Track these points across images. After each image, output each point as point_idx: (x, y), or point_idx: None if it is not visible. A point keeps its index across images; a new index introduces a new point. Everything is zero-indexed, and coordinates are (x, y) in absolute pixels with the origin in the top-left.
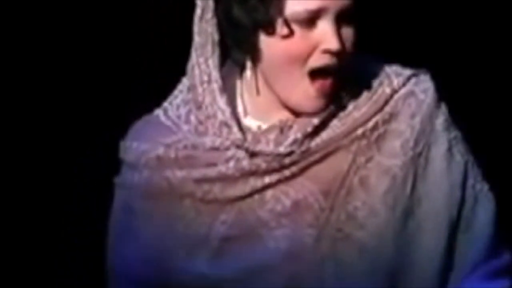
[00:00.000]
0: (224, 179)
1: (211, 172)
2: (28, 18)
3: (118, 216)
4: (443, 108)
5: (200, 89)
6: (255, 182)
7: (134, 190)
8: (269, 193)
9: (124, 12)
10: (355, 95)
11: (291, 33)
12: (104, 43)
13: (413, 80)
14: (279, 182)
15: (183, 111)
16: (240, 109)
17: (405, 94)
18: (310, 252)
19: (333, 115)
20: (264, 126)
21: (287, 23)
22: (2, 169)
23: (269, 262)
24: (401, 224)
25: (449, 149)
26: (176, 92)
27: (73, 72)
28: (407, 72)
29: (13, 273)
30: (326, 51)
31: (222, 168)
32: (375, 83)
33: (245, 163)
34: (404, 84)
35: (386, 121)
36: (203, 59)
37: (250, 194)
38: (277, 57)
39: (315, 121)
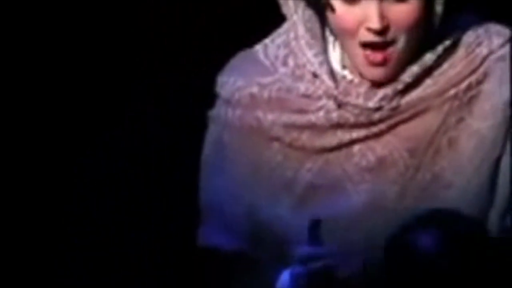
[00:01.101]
0: (312, 128)
1: (301, 119)
2: (28, 18)
3: (209, 150)
4: None
5: (293, 43)
6: (343, 136)
7: (226, 126)
8: (355, 147)
9: (124, 12)
10: (451, 54)
11: (332, 8)
12: (104, 43)
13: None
14: (366, 138)
15: (282, 52)
16: (334, 61)
17: (501, 56)
18: (391, 209)
19: (426, 74)
20: (356, 80)
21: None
22: (2, 169)
23: (350, 215)
24: (485, 184)
25: None
26: (281, 30)
27: (73, 72)
28: (507, 34)
29: (13, 273)
30: (369, 29)
31: (311, 117)
32: (474, 42)
33: (335, 115)
34: (502, 46)
35: (479, 82)
36: (291, 14)
37: (337, 147)
38: (333, 26)
39: (407, 79)
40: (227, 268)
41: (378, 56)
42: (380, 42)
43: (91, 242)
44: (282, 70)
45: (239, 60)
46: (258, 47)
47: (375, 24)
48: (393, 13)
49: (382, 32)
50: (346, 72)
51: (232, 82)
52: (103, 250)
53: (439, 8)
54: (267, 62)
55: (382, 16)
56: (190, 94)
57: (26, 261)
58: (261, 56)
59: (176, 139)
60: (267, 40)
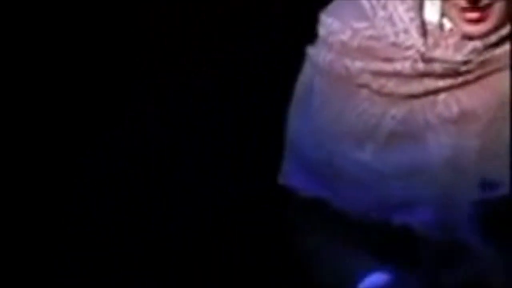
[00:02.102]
0: (399, 75)
1: (388, 67)
2: (28, 18)
3: (299, 90)
4: None
5: None
6: (429, 84)
7: (317, 69)
8: (441, 96)
9: (124, 12)
10: None
11: None
12: (104, 43)
13: None
14: (452, 87)
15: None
16: (433, 9)
17: None
18: (472, 165)
19: None
20: (450, 30)
21: None
22: (2, 169)
23: (430, 165)
24: None
25: None
26: None
27: (73, 72)
28: None
29: (13, 273)
30: None
31: (398, 66)
32: None
33: (421, 65)
34: None
35: None
36: None
37: (423, 94)
38: None
39: (503, 31)
40: (303, 212)
41: (474, 15)
42: (475, 7)
43: (91, 242)
44: (381, 13)
45: (341, 1)
46: None
47: None
48: None
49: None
50: (444, 20)
51: (329, 23)
52: (103, 250)
53: None
54: (367, 5)
55: None
56: (190, 94)
57: (26, 261)
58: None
59: (176, 139)
60: None
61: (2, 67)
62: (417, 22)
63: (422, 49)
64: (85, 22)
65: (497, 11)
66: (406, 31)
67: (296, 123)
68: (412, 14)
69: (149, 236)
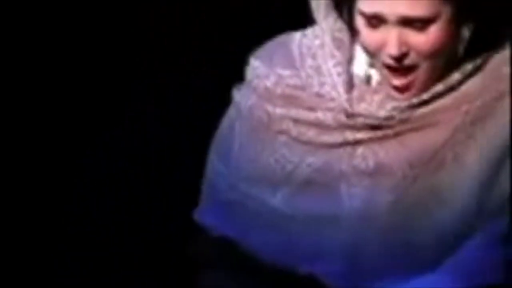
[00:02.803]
0: (320, 125)
1: (310, 116)
2: (28, 18)
3: (221, 132)
4: None
5: (318, 51)
6: (349, 135)
7: (240, 114)
8: (359, 149)
9: (124, 12)
10: (479, 71)
11: (357, 30)
12: (104, 43)
13: None
14: (371, 140)
15: (316, 43)
16: (362, 61)
17: None
18: (382, 218)
19: (446, 90)
20: (376, 84)
21: (352, 17)
22: (2, 169)
23: (340, 217)
24: (484, 203)
25: None
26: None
27: (73, 72)
28: None
29: (13, 273)
30: (388, 54)
31: (320, 115)
32: (500, 59)
33: (343, 117)
34: None
35: (496, 100)
36: (321, 21)
37: (341, 145)
38: (360, 42)
39: (426, 96)
40: (213, 251)
41: (400, 81)
42: (400, 67)
43: (91, 242)
44: (309, 62)
45: (272, 44)
46: (297, 35)
47: (393, 50)
48: (413, 41)
49: (400, 58)
50: (372, 72)
51: (256, 67)
52: (103, 250)
53: (466, 34)
54: (296, 53)
55: (400, 43)
56: (190, 94)
57: (26, 261)
58: (294, 45)
59: (176, 139)
60: (308, 30)
61: (2, 67)
62: (343, 77)
63: (345, 104)
64: (86, 22)
65: (421, 77)
66: (332, 84)
67: (215, 161)
68: (339, 69)
69: (149, 236)
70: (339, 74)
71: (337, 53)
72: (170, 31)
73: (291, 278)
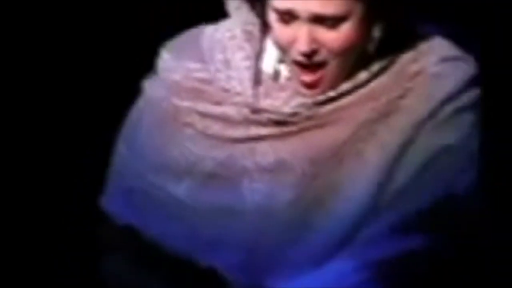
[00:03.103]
0: (225, 120)
1: (216, 110)
2: (28, 18)
3: (131, 118)
4: (469, 97)
5: (228, 42)
6: (253, 131)
7: (147, 103)
8: (262, 145)
9: (124, 12)
10: (387, 70)
11: (268, 24)
12: (104, 43)
13: (448, 63)
14: (273, 137)
15: (227, 35)
16: (272, 56)
17: (431, 74)
18: (282, 214)
19: (351, 89)
20: (284, 80)
21: (265, 12)
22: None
23: (241, 211)
24: (381, 198)
25: (448, 144)
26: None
27: (73, 72)
28: (449, 53)
29: (13, 273)
30: (298, 50)
31: (226, 110)
32: (409, 58)
33: (248, 112)
34: (436, 64)
35: (401, 97)
36: (231, 13)
37: (245, 140)
38: (271, 36)
39: (332, 94)
40: (116, 238)
41: (309, 77)
42: (309, 63)
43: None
44: (218, 56)
45: (182, 37)
46: (209, 28)
47: (303, 47)
48: (324, 38)
49: (310, 55)
50: (281, 68)
51: (165, 59)
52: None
53: (376, 33)
54: (205, 46)
55: (311, 40)
56: None
57: (26, 261)
58: (205, 40)
59: None
60: (220, 24)
61: (3, 67)
62: (251, 71)
63: (251, 99)
64: (86, 22)
65: (330, 74)
66: (239, 78)
67: (122, 149)
68: (248, 62)
69: (58, 221)
70: (247, 68)
71: (246, 46)
72: (170, 31)
73: (192, 269)
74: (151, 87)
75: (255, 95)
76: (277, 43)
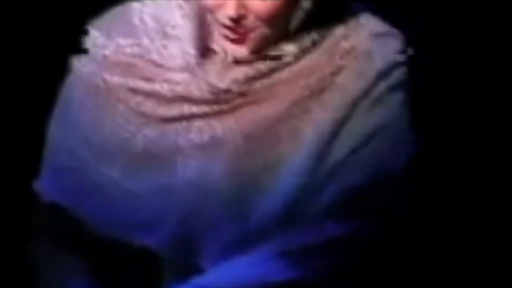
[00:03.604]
0: (157, 97)
1: (146, 86)
2: (27, 18)
3: (62, 97)
4: (398, 75)
5: (158, 9)
6: (185, 109)
7: (77, 80)
8: (195, 123)
9: None
10: (317, 46)
11: None
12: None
13: (379, 39)
14: (207, 115)
15: (157, 12)
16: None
17: (363, 52)
18: (216, 191)
19: (283, 64)
20: (214, 57)
21: None
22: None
23: (175, 189)
24: (316, 175)
25: (382, 123)
26: None
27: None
28: (379, 29)
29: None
30: (225, 15)
31: (157, 86)
32: (342, 35)
33: (180, 88)
34: (366, 41)
35: (334, 74)
36: None
37: (177, 119)
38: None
39: (263, 68)
40: (45, 218)
41: (235, 35)
42: (235, 27)
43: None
44: (151, 25)
45: (111, 15)
46: (135, 4)
47: (231, 11)
48: (252, 4)
49: (237, 20)
50: (210, 42)
51: (94, 37)
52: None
53: (306, 4)
54: (136, 21)
55: (239, 5)
56: None
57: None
58: (134, 13)
59: None
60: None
61: (3, 67)
62: (184, 47)
63: (183, 75)
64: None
65: (258, 39)
66: (171, 52)
67: (54, 128)
68: (183, 33)
69: None
70: (179, 43)
71: (183, 4)
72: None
73: (123, 249)
74: (80, 63)
75: (188, 71)
76: (205, 5)
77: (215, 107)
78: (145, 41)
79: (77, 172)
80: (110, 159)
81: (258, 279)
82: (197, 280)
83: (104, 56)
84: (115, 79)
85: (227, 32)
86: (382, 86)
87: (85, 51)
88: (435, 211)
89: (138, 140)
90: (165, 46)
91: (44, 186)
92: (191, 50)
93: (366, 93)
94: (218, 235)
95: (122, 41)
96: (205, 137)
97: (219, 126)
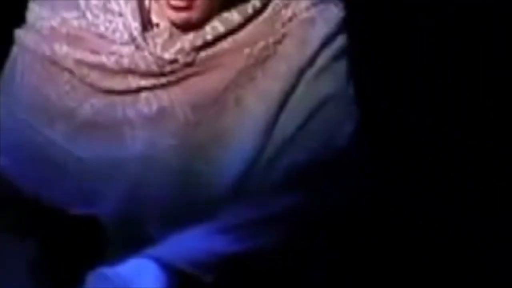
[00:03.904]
0: (103, 69)
1: (93, 58)
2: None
3: (7, 69)
4: (340, 41)
5: None
6: (131, 82)
7: (23, 49)
8: (142, 95)
9: None
10: (259, 14)
11: None
12: None
13: (319, 7)
14: (154, 87)
15: None
16: (146, 4)
17: (305, 19)
18: (164, 162)
19: (227, 31)
20: (157, 28)
21: None
22: None
23: (123, 160)
24: (264, 146)
25: (330, 92)
26: None
27: None
28: None
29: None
30: None
31: (103, 59)
32: (280, 3)
33: (126, 61)
34: (307, 9)
35: (277, 43)
36: None
37: (124, 92)
38: None
39: (208, 36)
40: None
41: (179, 2)
42: None
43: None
44: (94, 2)
45: None
46: None
47: None
48: None
49: None
50: (152, 16)
51: (37, 11)
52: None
53: None
54: None
55: None
56: None
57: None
58: None
59: None
60: None
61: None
62: (127, 22)
63: (128, 48)
64: None
65: (203, 5)
66: (116, 26)
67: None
68: (125, 8)
69: None
70: (123, 15)
71: None
72: None
73: (67, 218)
74: (26, 35)
75: (134, 43)
76: None
77: (162, 79)
78: (89, 16)
79: (24, 138)
80: (53, 123)
81: (206, 251)
82: (146, 252)
83: (52, 28)
84: (63, 49)
85: (174, 1)
86: (326, 54)
87: (29, 24)
88: (433, 211)
89: (84, 109)
90: (109, 21)
91: None
92: (135, 24)
93: (311, 61)
94: (165, 207)
95: (67, 15)
96: (153, 108)
97: (167, 98)
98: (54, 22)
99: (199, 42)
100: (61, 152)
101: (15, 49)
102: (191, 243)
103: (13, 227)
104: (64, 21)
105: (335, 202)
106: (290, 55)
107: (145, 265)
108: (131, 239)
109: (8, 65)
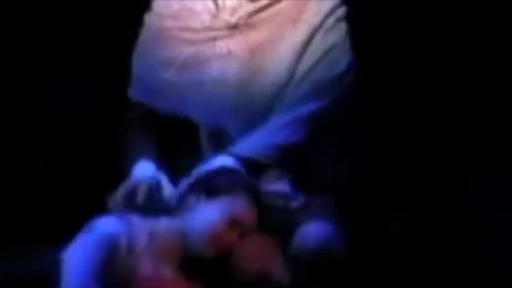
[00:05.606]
0: (193, 29)
1: (186, 23)
2: (27, 18)
3: (139, 40)
4: (342, 10)
5: None
6: (210, 34)
7: (147, 22)
8: (217, 42)
9: (125, 12)
10: None
11: None
12: (104, 43)
13: None
14: (224, 37)
15: None
16: None
17: None
18: (232, 82)
19: (273, 1)
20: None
21: None
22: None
23: (204, 84)
24: (295, 75)
25: (335, 42)
26: None
27: (74, 72)
28: None
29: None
30: None
31: (193, 23)
32: None
33: (208, 23)
34: None
35: (301, 12)
36: None
37: (206, 41)
38: None
39: (264, 2)
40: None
41: None
42: None
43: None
44: None
45: None
46: None
47: None
48: None
49: None
50: None
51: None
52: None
53: None
54: None
55: None
56: None
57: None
58: None
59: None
60: None
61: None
62: (206, 3)
63: (210, 15)
64: (86, 22)
65: None
66: (202, 3)
67: (137, 58)
68: None
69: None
70: None
71: None
72: None
73: (175, 119)
74: (148, 17)
75: (214, 10)
76: None
77: (231, 32)
78: (177, 5)
79: (150, 78)
80: (165, 68)
81: (274, 142)
82: (229, 150)
83: (160, 11)
84: (170, 23)
85: None
86: (331, 19)
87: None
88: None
89: (182, 54)
90: (193, 3)
91: (132, 92)
92: (210, 7)
93: (322, 23)
94: (235, 108)
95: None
96: (224, 51)
97: (233, 44)
98: (161, 8)
99: (258, 7)
100: (169, 84)
101: (144, 28)
102: (261, 137)
103: (150, 129)
104: (168, 5)
105: (342, 106)
106: (309, 21)
107: (226, 159)
108: (219, 140)
109: (140, 38)
